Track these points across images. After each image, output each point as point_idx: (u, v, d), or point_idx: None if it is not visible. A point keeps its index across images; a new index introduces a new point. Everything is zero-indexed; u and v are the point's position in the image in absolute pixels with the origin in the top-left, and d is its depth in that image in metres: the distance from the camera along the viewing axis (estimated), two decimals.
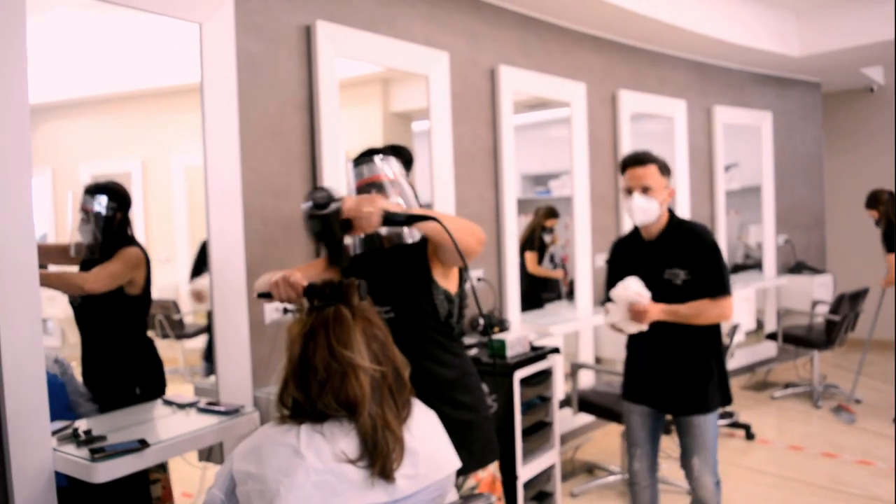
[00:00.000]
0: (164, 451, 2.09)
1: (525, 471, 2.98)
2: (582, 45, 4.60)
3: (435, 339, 2.00)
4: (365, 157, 2.07)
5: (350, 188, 2.05)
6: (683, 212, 5.36)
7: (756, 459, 4.37)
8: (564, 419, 4.19)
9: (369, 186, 2.02)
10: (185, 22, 2.55)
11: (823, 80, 6.80)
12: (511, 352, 3.05)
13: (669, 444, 4.49)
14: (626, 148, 4.85)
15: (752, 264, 6.28)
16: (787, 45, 5.62)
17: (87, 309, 2.75)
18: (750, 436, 4.68)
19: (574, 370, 3.80)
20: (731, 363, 5.31)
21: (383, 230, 1.95)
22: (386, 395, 1.51)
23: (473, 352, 3.18)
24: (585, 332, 4.48)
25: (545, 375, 3.19)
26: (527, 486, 3.02)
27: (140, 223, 3.07)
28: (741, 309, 5.34)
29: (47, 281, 2.54)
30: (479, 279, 3.82)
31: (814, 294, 5.93)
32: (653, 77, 5.18)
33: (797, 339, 5.56)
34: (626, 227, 4.86)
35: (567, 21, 4.43)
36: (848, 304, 5.35)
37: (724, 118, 5.74)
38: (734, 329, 4.78)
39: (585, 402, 3.82)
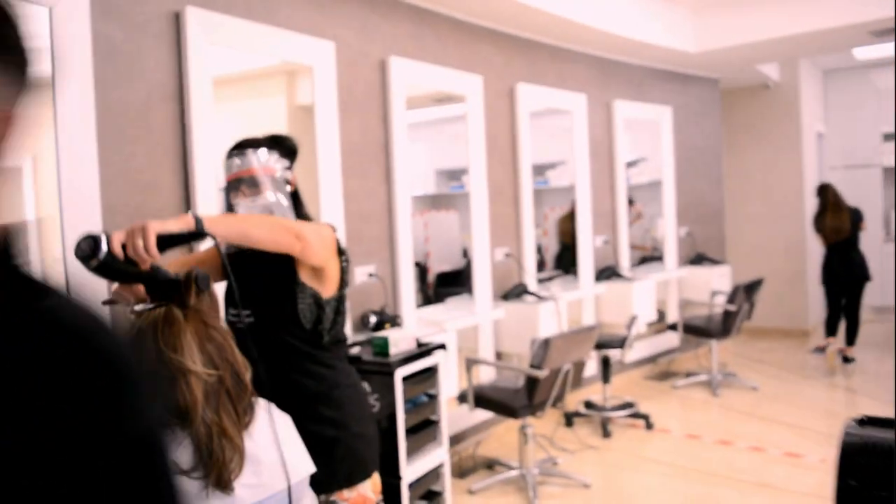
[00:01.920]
0: None
1: (410, 470, 2.92)
2: (479, 38, 4.57)
3: (298, 347, 1.87)
4: (238, 149, 1.94)
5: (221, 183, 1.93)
6: (584, 207, 5.40)
7: (654, 449, 4.43)
8: (462, 416, 4.15)
9: (239, 181, 1.90)
10: (34, 6, 2.38)
11: (721, 77, 6.98)
12: (395, 349, 2.98)
13: (568, 438, 4.52)
14: (525, 141, 4.84)
15: (658, 257, 6.39)
16: (684, 41, 5.72)
17: None
18: (649, 426, 4.74)
19: (469, 366, 3.76)
20: (632, 354, 5.39)
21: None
22: (223, 400, 1.42)
23: (355, 350, 3.09)
24: (484, 327, 4.45)
25: (432, 372, 3.13)
26: (413, 485, 2.95)
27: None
28: (642, 300, 5.41)
29: None
30: (370, 275, 3.74)
31: (713, 285, 6.07)
32: (552, 71, 5.19)
33: (696, 329, 5.68)
34: (526, 220, 4.87)
35: (463, 14, 4.38)
36: (744, 294, 5.49)
37: (624, 113, 5.81)
38: (632, 320, 4.85)
39: (483, 398, 3.79)
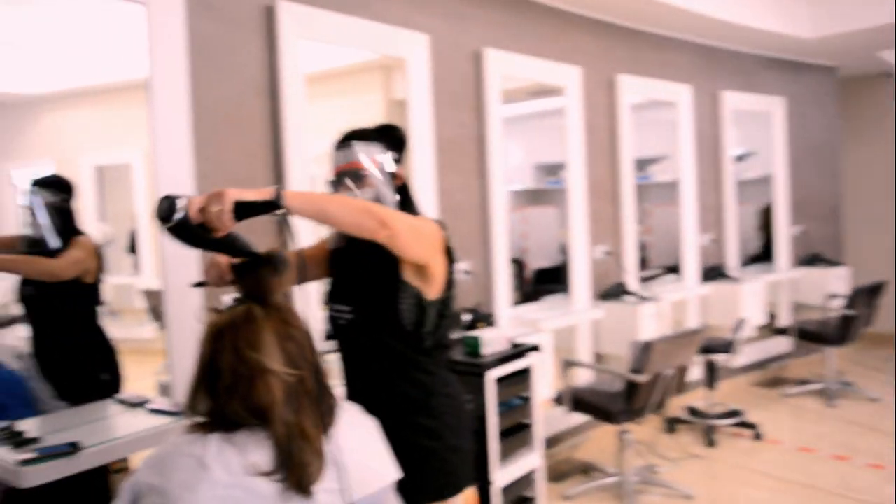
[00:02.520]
0: (98, 456, 1.97)
1: (501, 475, 2.81)
2: (577, 28, 4.41)
3: (397, 349, 1.76)
4: (344, 141, 1.86)
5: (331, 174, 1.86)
6: (689, 203, 5.15)
7: (762, 461, 4.15)
8: (558, 418, 4.01)
9: (344, 174, 1.82)
10: (131, 4, 2.42)
11: (840, 65, 6.53)
12: (488, 349, 2.87)
13: (670, 445, 4.31)
14: (626, 134, 4.64)
15: (769, 256, 6.04)
16: (799, 26, 5.37)
17: (40, 300, 2.67)
18: (758, 436, 4.46)
19: (565, 367, 3.62)
20: (740, 359, 5.09)
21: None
22: (304, 401, 1.36)
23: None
24: (582, 327, 4.29)
25: (525, 374, 3.01)
26: (505, 490, 2.85)
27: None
28: (751, 302, 5.11)
29: (16, 266, 2.48)
30: (465, 272, 3.65)
31: (829, 287, 5.68)
32: (655, 61, 4.97)
33: (811, 335, 5.32)
34: (626, 217, 4.67)
35: (561, 2, 4.24)
36: (865, 298, 5.11)
37: (732, 104, 5.51)
38: (740, 323, 4.58)
39: (580, 401, 3.65)
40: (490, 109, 3.76)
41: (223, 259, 1.62)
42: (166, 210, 1.41)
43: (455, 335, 3.31)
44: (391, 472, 1.48)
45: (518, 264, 4.63)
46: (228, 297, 1.51)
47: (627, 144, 4.66)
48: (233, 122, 2.76)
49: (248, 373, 1.31)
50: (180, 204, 1.40)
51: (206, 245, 1.48)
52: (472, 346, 2.89)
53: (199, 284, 1.73)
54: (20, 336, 2.74)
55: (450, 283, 1.80)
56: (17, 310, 2.80)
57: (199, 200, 1.41)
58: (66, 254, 2.59)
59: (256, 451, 1.29)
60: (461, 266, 3.63)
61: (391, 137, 1.88)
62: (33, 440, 2.00)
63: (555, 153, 4.47)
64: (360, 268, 1.78)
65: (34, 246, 2.64)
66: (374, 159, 1.81)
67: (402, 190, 1.88)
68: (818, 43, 5.60)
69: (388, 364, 1.76)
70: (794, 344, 5.83)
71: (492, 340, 2.91)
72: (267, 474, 1.28)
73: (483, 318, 3.43)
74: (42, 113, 3.14)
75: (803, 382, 5.50)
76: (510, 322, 3.80)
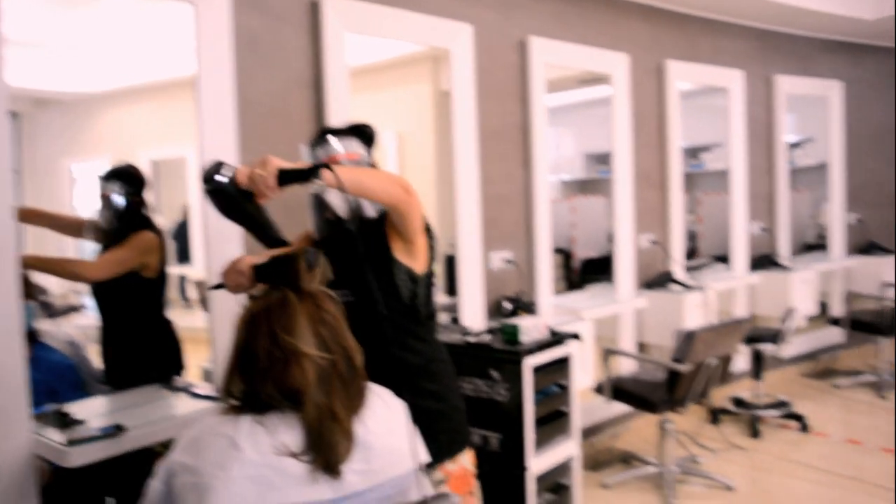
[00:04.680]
0: (141, 437, 2.06)
1: (537, 462, 2.85)
2: (624, 13, 4.36)
3: (398, 322, 1.90)
4: (320, 138, 1.99)
5: None
6: (739, 191, 5.07)
7: (808, 453, 4.10)
8: (599, 407, 4.02)
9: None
10: (181, 3, 2.50)
11: None
12: (526, 337, 2.91)
13: (713, 436, 4.28)
14: (675, 122, 4.59)
15: (824, 245, 5.92)
16: (858, 7, 5.20)
17: (103, 292, 2.79)
18: (804, 427, 4.40)
19: (606, 356, 3.63)
20: (789, 349, 5.02)
21: (337, 207, 1.90)
22: (335, 384, 1.41)
23: (487, 338, 3.05)
24: (625, 316, 4.29)
25: (564, 363, 3.04)
26: (542, 478, 2.89)
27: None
28: (801, 292, 5.02)
29: (45, 266, 2.56)
30: (507, 261, 3.69)
31: (885, 276, 5.53)
32: (705, 46, 4.88)
33: (864, 325, 5.21)
34: (674, 206, 4.63)
35: None
36: None
37: (787, 88, 5.38)
38: (789, 313, 4.51)
39: (620, 391, 3.65)
40: (535, 98, 3.76)
41: (245, 265, 1.69)
42: (212, 170, 1.51)
43: (496, 323, 3.36)
44: (419, 456, 1.53)
45: (566, 254, 4.63)
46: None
47: (676, 132, 4.60)
48: (278, 116, 2.84)
49: (282, 356, 1.37)
50: (227, 169, 1.51)
51: (242, 216, 1.57)
52: (511, 334, 2.93)
53: (217, 287, 1.80)
54: (79, 324, 2.88)
55: (431, 259, 1.95)
56: (78, 299, 2.94)
57: (245, 168, 1.53)
58: (110, 252, 2.66)
59: (287, 433, 1.35)
60: (503, 254, 3.67)
61: (362, 134, 2.01)
62: (80, 422, 2.09)
63: (605, 142, 4.45)
64: (353, 253, 1.86)
65: (98, 234, 2.77)
66: (351, 153, 1.93)
67: None
68: (878, 24, 5.40)
69: (389, 337, 1.87)
70: (846, 334, 5.71)
71: (530, 328, 2.94)
72: (296, 455, 1.34)
73: (524, 306, 3.47)
74: (101, 110, 3.27)
75: (855, 374, 5.39)
76: (552, 311, 3.82)
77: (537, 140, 3.78)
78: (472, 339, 3.04)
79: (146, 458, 2.41)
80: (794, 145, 5.60)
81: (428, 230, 1.95)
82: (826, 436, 4.35)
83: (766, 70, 5.30)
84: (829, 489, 3.66)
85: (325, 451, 1.36)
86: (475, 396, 2.91)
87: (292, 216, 2.81)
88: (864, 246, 5.97)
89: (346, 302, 1.87)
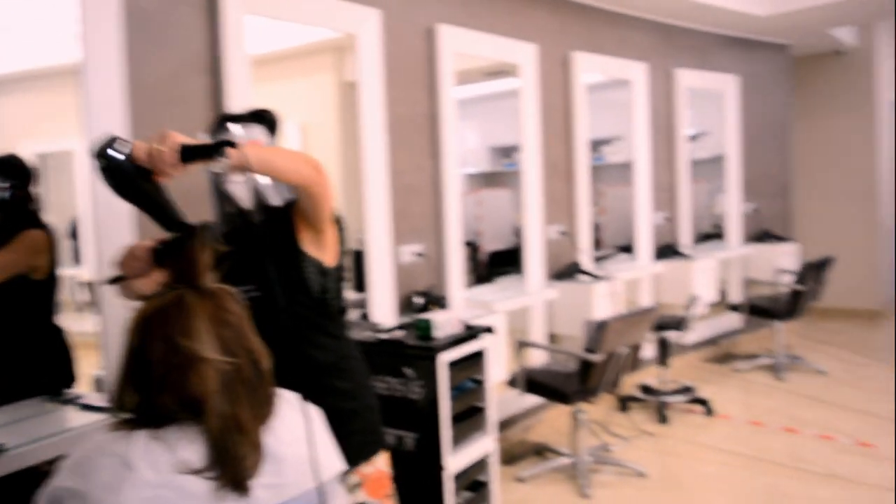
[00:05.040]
0: (25, 457, 1.87)
1: (454, 461, 2.78)
2: (532, 4, 4.34)
3: (307, 318, 1.80)
4: (219, 125, 1.85)
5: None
6: (643, 181, 5.16)
7: (714, 436, 4.21)
8: (511, 400, 4.00)
9: None
10: None
11: (792, 43, 6.58)
12: (440, 332, 2.83)
13: (623, 423, 4.34)
14: (581, 113, 4.61)
15: (721, 234, 6.11)
16: (753, 3, 5.37)
17: None
18: (709, 411, 4.52)
19: (519, 349, 3.60)
20: (692, 336, 5.15)
21: (240, 197, 1.78)
22: (240, 391, 1.28)
23: (399, 334, 2.96)
24: (536, 308, 4.28)
25: (479, 357, 2.98)
26: (459, 477, 2.82)
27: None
28: (703, 280, 5.16)
29: None
30: (418, 254, 3.60)
31: (779, 263, 5.76)
32: (611, 39, 4.93)
33: (761, 310, 5.40)
34: (581, 197, 4.66)
35: None
36: (813, 273, 5.19)
37: (687, 82, 5.51)
38: (692, 300, 4.62)
39: (534, 383, 3.64)
40: (443, 88, 3.68)
41: (142, 250, 1.55)
42: (106, 145, 1.36)
43: (407, 318, 3.27)
44: (337, 462, 1.42)
45: (472, 247, 4.59)
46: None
47: (583, 123, 4.62)
48: (173, 102, 2.65)
49: (180, 363, 1.23)
50: (123, 144, 1.37)
51: (139, 196, 1.43)
52: (424, 330, 2.84)
53: (115, 280, 1.64)
54: None
55: (341, 251, 1.86)
56: None
57: (145, 143, 1.39)
58: None
59: (187, 448, 1.22)
60: (413, 248, 3.58)
61: (264, 120, 1.89)
62: None
63: (510, 135, 4.43)
64: (258, 245, 1.77)
65: None
66: (253, 141, 1.80)
67: None
68: (772, 20, 5.62)
69: (299, 334, 1.78)
70: (744, 320, 5.92)
71: (444, 323, 2.87)
72: (199, 471, 1.21)
73: (435, 300, 3.39)
74: None
75: (753, 357, 5.60)
76: (464, 304, 3.76)
77: (446, 130, 3.71)
78: (383, 336, 2.94)
79: (31, 480, 2.20)
80: (692, 138, 5.75)
81: (338, 220, 1.85)
82: (729, 418, 4.48)
83: (667, 64, 5.41)
84: (736, 470, 3.76)
85: (231, 465, 1.23)
86: (389, 395, 2.81)
87: (192, 208, 2.63)
88: (759, 234, 6.21)
89: (251, 297, 1.76)
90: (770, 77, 6.45)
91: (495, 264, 4.69)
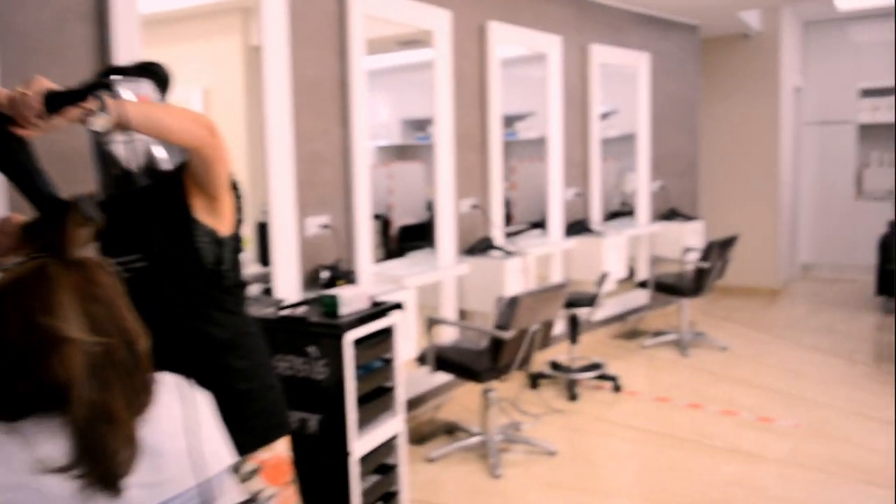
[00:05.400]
0: None
1: (360, 444, 2.64)
2: None
3: (200, 290, 1.63)
4: (99, 77, 1.60)
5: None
6: (556, 157, 5.11)
7: (622, 412, 4.23)
8: (421, 378, 3.89)
9: None
10: None
11: (702, 24, 6.67)
12: (347, 309, 2.67)
13: (533, 401, 4.31)
14: (496, 85, 4.50)
15: (628, 212, 6.16)
16: None
17: None
18: (617, 388, 4.54)
19: (429, 325, 3.49)
20: (602, 312, 5.17)
21: (124, 159, 1.57)
22: (112, 376, 1.11)
23: (301, 310, 2.79)
24: (447, 284, 4.17)
25: (387, 335, 2.83)
26: (365, 459, 2.69)
27: None
28: (613, 257, 5.18)
29: None
30: (325, 226, 3.42)
31: (685, 241, 5.86)
32: (528, 10, 4.83)
33: (667, 287, 5.48)
34: (494, 171, 4.57)
35: None
36: (718, 251, 5.29)
37: (601, 58, 5.48)
38: (602, 277, 4.61)
39: (444, 361, 3.53)
40: (354, 51, 3.49)
41: (11, 225, 1.35)
42: None
43: (313, 293, 3.10)
44: (226, 455, 1.26)
45: (383, 221, 4.44)
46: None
47: (497, 95, 4.52)
48: (49, 53, 2.38)
49: (39, 343, 1.06)
50: None
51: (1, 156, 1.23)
52: (330, 306, 2.67)
53: None
54: None
55: (239, 220, 1.70)
56: None
57: (6, 89, 1.21)
58: None
59: (48, 442, 1.05)
60: (319, 220, 3.40)
61: (154, 75, 1.69)
62: None
63: (424, 108, 4.29)
64: (145, 212, 1.60)
65: None
66: (142, 97, 1.59)
67: None
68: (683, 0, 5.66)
69: (190, 308, 1.63)
70: (651, 296, 6.00)
71: (351, 299, 2.71)
72: (61, 470, 1.05)
73: (343, 275, 3.22)
74: None
75: (659, 334, 5.68)
76: (373, 279, 3.61)
77: (356, 96, 3.52)
78: (286, 313, 2.75)
79: None
80: (603, 116, 5.74)
81: (235, 186, 1.68)
82: (637, 394, 4.52)
83: (582, 39, 5.36)
84: (644, 446, 3.78)
85: (101, 462, 1.07)
86: (291, 376, 2.63)
87: (71, 175, 2.38)
88: (667, 213, 6.29)
89: (137, 269, 1.58)
90: (680, 57, 6.52)
91: (407, 239, 4.56)
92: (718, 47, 7.33)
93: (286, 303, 2.92)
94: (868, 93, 7.88)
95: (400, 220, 4.56)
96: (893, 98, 7.57)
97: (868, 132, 8.01)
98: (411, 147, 5.29)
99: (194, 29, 3.78)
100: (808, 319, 6.40)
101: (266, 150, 3.10)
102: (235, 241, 1.68)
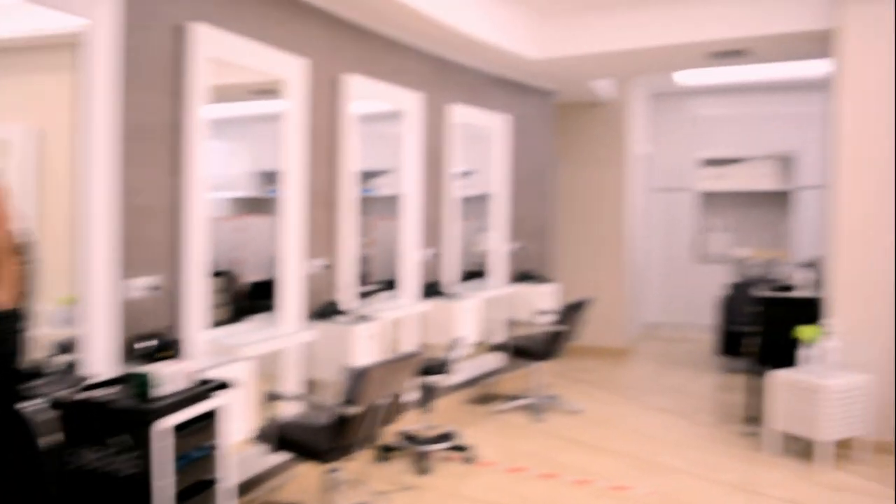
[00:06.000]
0: None
1: None
2: (305, 18, 3.97)
3: None
4: None
5: None
6: (413, 217, 4.94)
7: (474, 486, 4.02)
8: (257, 458, 3.52)
9: None
10: None
11: (558, 89, 6.81)
12: (163, 389, 2.31)
13: (383, 476, 4.03)
14: (350, 139, 4.29)
15: (481, 272, 6.08)
16: (524, 46, 5.43)
17: None
18: (469, 459, 4.34)
19: (268, 401, 3.15)
20: (456, 376, 4.99)
21: None
22: None
23: (111, 391, 2.40)
24: (291, 352, 3.85)
25: (212, 418, 2.48)
26: None
27: None
28: (468, 319, 5.04)
29: None
30: (154, 288, 3.04)
31: (538, 304, 5.83)
32: (386, 65, 4.69)
33: (521, 351, 5.38)
34: (344, 229, 4.33)
35: None
36: (572, 314, 5.27)
37: (459, 117, 5.42)
38: (455, 342, 4.44)
39: (285, 440, 3.19)
40: (193, 95, 3.18)
41: None
42: None
43: (127, 369, 2.70)
44: None
45: (229, 277, 4.08)
46: None
47: (351, 150, 4.31)
48: None
49: None
50: None
51: None
52: (140, 386, 2.30)
53: None
54: None
55: (25, 290, 1.48)
56: None
57: None
58: None
59: None
60: (145, 281, 3.01)
61: None
62: None
63: (278, 160, 4.00)
64: None
65: None
66: None
67: None
68: (540, 64, 5.73)
69: None
70: (506, 359, 5.90)
71: (170, 376, 2.35)
72: None
73: (167, 345, 2.84)
74: None
75: (513, 398, 5.56)
76: (206, 348, 3.24)
77: (193, 144, 3.20)
78: (81, 396, 2.35)
79: None
80: (462, 175, 5.67)
81: (20, 250, 1.35)
82: (491, 465, 4.33)
83: (441, 98, 5.28)
84: None
85: None
86: (91, 471, 2.23)
87: None
88: (520, 275, 6.27)
89: None
90: (537, 121, 6.61)
91: (257, 295, 4.21)
92: (572, 113, 7.53)
93: (94, 380, 2.51)
94: (711, 162, 8.36)
95: (250, 275, 4.21)
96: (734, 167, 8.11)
97: (711, 199, 8.52)
98: (265, 200, 4.98)
99: (31, 61, 3.36)
100: (656, 379, 6.53)
101: (82, 203, 2.71)
102: (14, 318, 1.35)
